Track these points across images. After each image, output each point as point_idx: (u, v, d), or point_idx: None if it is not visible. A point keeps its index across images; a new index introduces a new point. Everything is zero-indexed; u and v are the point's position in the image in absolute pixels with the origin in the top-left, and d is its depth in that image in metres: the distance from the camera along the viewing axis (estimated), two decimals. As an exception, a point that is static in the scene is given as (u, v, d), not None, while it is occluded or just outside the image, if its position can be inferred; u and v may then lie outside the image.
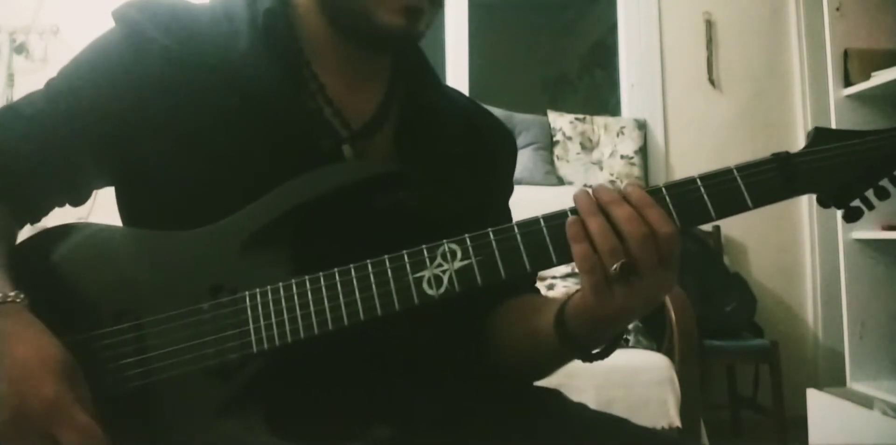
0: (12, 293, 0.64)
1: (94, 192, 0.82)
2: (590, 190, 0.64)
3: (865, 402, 2.19)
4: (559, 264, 0.64)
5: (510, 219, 0.84)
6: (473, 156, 0.84)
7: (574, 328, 0.68)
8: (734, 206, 0.63)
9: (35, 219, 0.79)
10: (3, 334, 0.60)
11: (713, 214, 0.63)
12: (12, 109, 0.78)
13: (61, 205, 0.80)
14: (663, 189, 0.64)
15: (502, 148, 0.92)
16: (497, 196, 0.90)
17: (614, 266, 0.60)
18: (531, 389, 0.84)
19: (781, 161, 0.63)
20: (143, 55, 0.73)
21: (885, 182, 0.65)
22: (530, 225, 0.64)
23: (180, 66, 0.73)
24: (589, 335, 0.68)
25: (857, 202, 0.66)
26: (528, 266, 0.64)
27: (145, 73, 0.73)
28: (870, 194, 0.65)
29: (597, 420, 0.79)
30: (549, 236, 0.64)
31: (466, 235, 0.65)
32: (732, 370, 2.88)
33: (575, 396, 0.84)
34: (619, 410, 0.81)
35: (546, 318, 0.71)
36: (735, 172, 0.63)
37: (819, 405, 2.33)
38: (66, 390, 0.58)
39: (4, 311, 0.62)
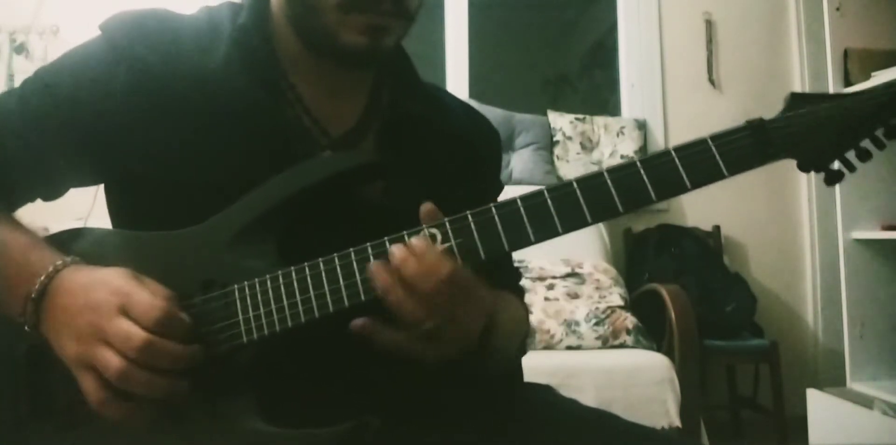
0: (67, 259, 0.69)
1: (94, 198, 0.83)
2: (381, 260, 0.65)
3: (865, 402, 2.18)
4: (537, 241, 0.65)
5: None
6: (455, 161, 0.84)
7: None
8: (709, 175, 0.63)
9: (11, 210, 0.80)
10: (76, 282, 0.67)
11: (688, 184, 0.63)
12: None
13: (33, 200, 0.81)
14: (637, 163, 0.64)
15: (487, 152, 0.92)
16: (484, 196, 0.90)
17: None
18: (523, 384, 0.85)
19: (755, 128, 0.63)
20: (119, 67, 0.75)
21: (866, 144, 0.63)
22: (507, 206, 0.65)
23: (155, 78, 0.74)
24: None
25: (838, 165, 0.65)
26: (506, 246, 0.65)
27: (120, 83, 0.74)
28: (851, 155, 0.64)
29: (587, 414, 0.81)
30: (527, 215, 0.65)
31: (446, 219, 0.66)
32: (732, 370, 2.88)
33: (574, 396, 0.85)
34: (618, 410, 0.82)
35: None
36: (709, 141, 0.63)
37: (819, 405, 2.33)
38: (130, 281, 0.66)
39: (68, 270, 0.68)
